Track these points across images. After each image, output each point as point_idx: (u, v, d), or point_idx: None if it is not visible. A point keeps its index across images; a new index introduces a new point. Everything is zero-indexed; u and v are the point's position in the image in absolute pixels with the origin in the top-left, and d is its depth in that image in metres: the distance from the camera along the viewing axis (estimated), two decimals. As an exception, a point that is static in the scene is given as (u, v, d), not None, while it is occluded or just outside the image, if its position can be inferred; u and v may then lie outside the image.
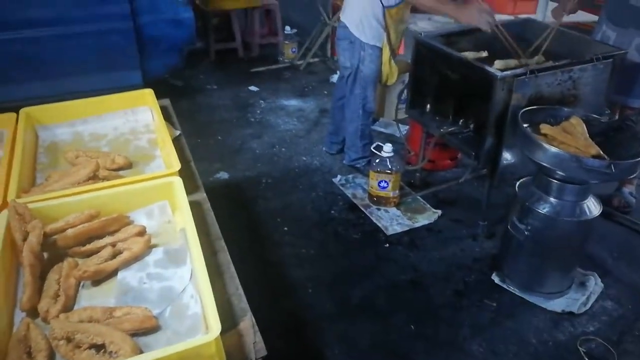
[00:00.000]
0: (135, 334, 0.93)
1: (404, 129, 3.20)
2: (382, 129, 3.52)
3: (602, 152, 1.76)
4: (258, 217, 2.58)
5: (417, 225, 2.51)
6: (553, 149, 1.73)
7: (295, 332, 1.94)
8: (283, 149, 3.27)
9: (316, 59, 4.69)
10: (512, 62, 2.20)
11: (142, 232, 1.17)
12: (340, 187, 2.81)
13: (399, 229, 2.47)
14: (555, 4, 2.78)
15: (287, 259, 2.29)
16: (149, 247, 1.14)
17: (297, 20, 5.06)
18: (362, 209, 2.62)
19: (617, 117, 2.43)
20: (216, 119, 3.67)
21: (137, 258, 1.11)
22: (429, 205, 2.65)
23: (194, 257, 1.04)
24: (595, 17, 3.10)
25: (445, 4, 2.30)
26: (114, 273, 1.09)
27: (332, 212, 2.62)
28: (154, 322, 0.95)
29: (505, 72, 1.97)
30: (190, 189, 1.35)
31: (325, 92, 4.10)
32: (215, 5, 4.61)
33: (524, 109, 1.97)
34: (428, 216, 2.58)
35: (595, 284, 2.12)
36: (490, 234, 2.42)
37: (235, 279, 1.12)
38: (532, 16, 2.72)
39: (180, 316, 0.98)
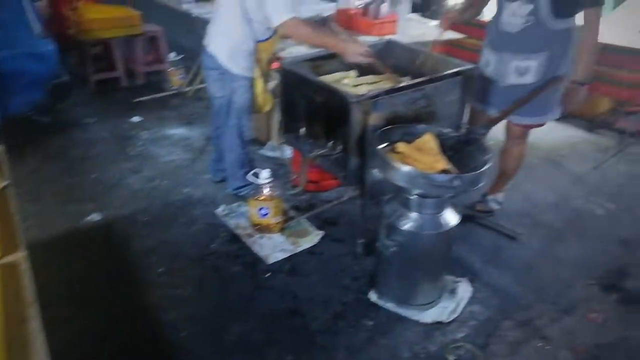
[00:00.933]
0: None
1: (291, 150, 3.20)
2: (269, 153, 3.49)
3: (449, 167, 1.85)
4: (131, 259, 2.43)
5: (300, 249, 2.49)
6: (404, 168, 1.78)
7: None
8: (164, 182, 3.13)
9: (204, 85, 4.58)
10: (371, 78, 2.28)
11: None
12: (223, 218, 2.73)
13: (280, 256, 2.43)
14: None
15: (160, 302, 2.16)
16: None
17: (184, 45, 4.94)
18: (245, 239, 2.56)
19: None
20: (92, 154, 3.44)
21: None
22: (313, 228, 2.65)
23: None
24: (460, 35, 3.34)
25: (324, 38, 2.31)
26: None
27: (213, 245, 2.53)
28: None
29: (360, 95, 2.02)
30: (8, 249, 1.22)
31: (212, 118, 4.02)
32: (93, 35, 4.38)
33: (381, 129, 2.02)
34: (311, 239, 2.57)
35: (464, 290, 2.21)
36: (369, 251, 2.46)
37: (41, 354, 1.00)
38: (393, 37, 2.84)
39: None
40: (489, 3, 2.50)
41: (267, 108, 2.74)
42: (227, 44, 2.43)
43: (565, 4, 2.13)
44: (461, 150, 2.00)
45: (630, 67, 3.51)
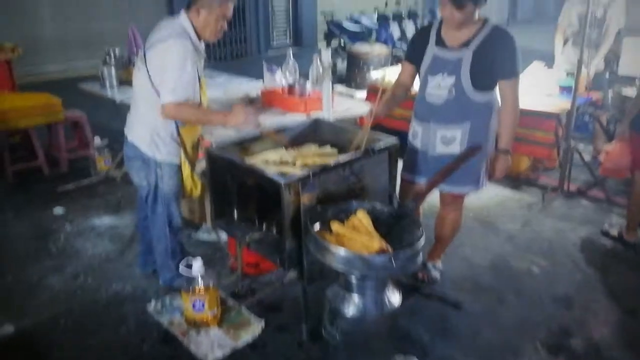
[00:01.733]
0: None
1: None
2: (204, 236, 3.35)
3: (385, 245, 1.82)
4: (49, 375, 2.16)
5: (240, 343, 2.32)
6: (340, 252, 1.74)
7: None
8: (89, 279, 2.88)
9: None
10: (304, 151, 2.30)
11: None
12: (156, 315, 2.52)
13: (219, 354, 2.25)
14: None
15: None
16: None
17: (110, 128, 4.79)
18: (180, 337, 2.36)
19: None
20: (7, 254, 3.15)
21: None
22: (254, 316, 2.49)
23: None
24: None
25: (210, 114, 2.34)
26: None
27: (144, 347, 2.31)
28: None
29: (289, 177, 1.99)
30: None
31: (143, 203, 3.85)
32: (10, 125, 4.17)
33: (314, 210, 1.99)
34: (252, 330, 2.40)
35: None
36: (316, 337, 2.34)
37: None
38: (320, 113, 2.90)
39: None
40: (413, 83, 2.60)
41: (197, 193, 2.64)
42: (146, 130, 2.36)
43: (484, 78, 2.27)
44: (394, 225, 2.00)
45: (543, 129, 3.77)
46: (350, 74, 6.27)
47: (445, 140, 2.38)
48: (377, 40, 8.15)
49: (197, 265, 2.38)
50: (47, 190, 4.10)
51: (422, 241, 1.82)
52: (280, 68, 3.39)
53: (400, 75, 2.57)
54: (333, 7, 9.97)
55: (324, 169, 2.09)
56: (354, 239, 1.85)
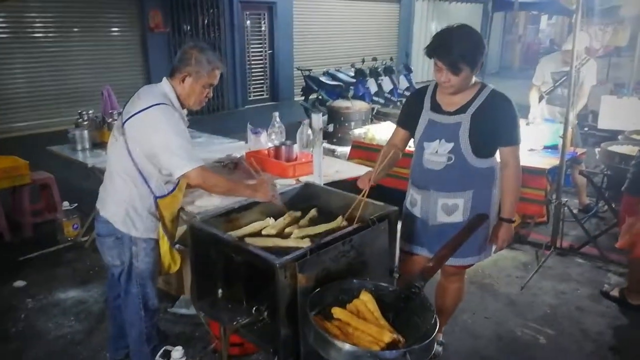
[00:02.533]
0: None
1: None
2: (183, 310, 3.05)
3: (396, 336, 1.61)
4: None
5: None
6: (346, 347, 1.51)
7: None
8: (51, 368, 2.55)
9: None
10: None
11: None
12: (127, 411, 2.21)
13: None
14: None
15: None
16: None
17: (80, 188, 4.51)
18: None
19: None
20: (-43, 338, 2.79)
21: None
22: (240, 408, 2.21)
23: None
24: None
25: (239, 185, 2.18)
26: None
27: None
28: None
29: (284, 257, 1.78)
30: None
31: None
32: (-30, 188, 3.86)
33: (312, 294, 1.77)
34: None
35: None
36: None
37: None
38: (310, 178, 2.73)
39: None
40: (405, 147, 2.45)
41: (175, 268, 2.39)
42: (121, 205, 2.13)
43: (484, 144, 2.15)
44: (403, 309, 1.79)
45: (533, 186, 3.69)
46: (332, 129, 6.21)
47: (447, 209, 2.23)
48: (355, 94, 8.21)
49: (178, 354, 2.11)
50: (6, 259, 3.75)
51: (437, 328, 1.62)
52: (265, 130, 3.24)
53: (393, 139, 2.43)
54: (309, 63, 10.11)
55: (324, 245, 1.89)
56: (360, 328, 1.63)
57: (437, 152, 2.19)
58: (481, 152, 2.15)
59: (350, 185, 2.43)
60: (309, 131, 2.66)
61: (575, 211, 4.14)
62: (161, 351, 2.14)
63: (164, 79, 2.15)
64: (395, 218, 2.19)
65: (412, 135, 2.35)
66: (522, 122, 4.20)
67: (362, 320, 1.68)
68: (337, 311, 1.73)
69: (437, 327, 1.64)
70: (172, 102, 2.09)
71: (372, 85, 8.64)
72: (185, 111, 2.26)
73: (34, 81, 7.90)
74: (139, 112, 2.02)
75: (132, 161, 2.06)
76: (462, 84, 2.11)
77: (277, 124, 3.18)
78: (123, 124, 2.07)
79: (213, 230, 2.04)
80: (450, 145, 2.16)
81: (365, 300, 1.76)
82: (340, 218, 2.15)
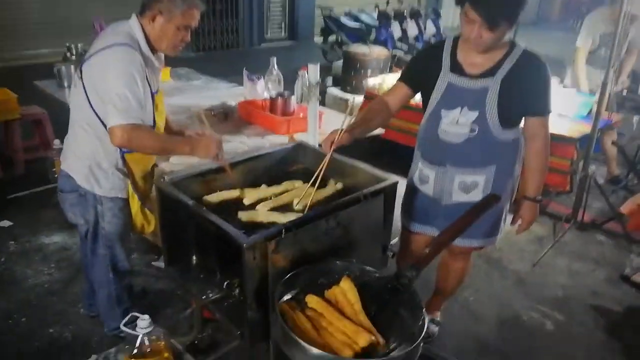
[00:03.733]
0: None
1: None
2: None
3: (374, 337, 1.38)
4: None
5: (191, 422, 1.88)
6: (313, 351, 1.28)
7: None
8: (23, 319, 2.43)
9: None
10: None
11: None
12: (94, 375, 2.07)
13: None
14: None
15: None
16: None
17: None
18: (117, 409, 1.91)
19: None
20: None
21: None
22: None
23: None
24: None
25: (174, 143, 1.94)
26: None
27: None
28: None
29: (253, 237, 1.53)
30: None
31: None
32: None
33: (283, 279, 1.53)
34: (208, 402, 1.97)
35: None
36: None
37: None
38: (303, 136, 2.43)
39: None
40: (400, 109, 2.06)
41: (150, 229, 2.17)
42: (84, 161, 1.89)
43: (511, 112, 1.82)
44: (388, 302, 1.55)
45: (559, 154, 3.35)
46: (346, 76, 5.77)
47: (465, 187, 1.92)
48: (377, 39, 7.65)
49: (145, 322, 1.92)
50: (-4, 196, 3.62)
51: (424, 333, 1.38)
52: (263, 77, 2.90)
53: (389, 95, 2.03)
54: (331, 1, 9.45)
55: (303, 222, 1.64)
56: (334, 325, 1.41)
57: (457, 122, 1.85)
58: (507, 122, 1.83)
59: (357, 147, 2.07)
60: (306, 85, 2.32)
61: (601, 182, 3.79)
62: (128, 317, 1.96)
63: (133, 15, 1.84)
64: (392, 192, 1.91)
65: (414, 96, 2.01)
66: (555, 81, 3.85)
67: (338, 313, 1.45)
68: (311, 299, 1.50)
69: (425, 329, 1.39)
70: (138, 43, 1.78)
71: (396, 30, 8.03)
72: (162, 55, 1.96)
73: (20, 8, 7.43)
74: (96, 52, 1.73)
75: (92, 109, 1.79)
76: (496, 42, 1.74)
77: (275, 72, 2.84)
78: (81, 66, 1.78)
79: (181, 196, 1.78)
80: (474, 114, 1.82)
81: (345, 289, 1.52)
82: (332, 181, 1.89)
